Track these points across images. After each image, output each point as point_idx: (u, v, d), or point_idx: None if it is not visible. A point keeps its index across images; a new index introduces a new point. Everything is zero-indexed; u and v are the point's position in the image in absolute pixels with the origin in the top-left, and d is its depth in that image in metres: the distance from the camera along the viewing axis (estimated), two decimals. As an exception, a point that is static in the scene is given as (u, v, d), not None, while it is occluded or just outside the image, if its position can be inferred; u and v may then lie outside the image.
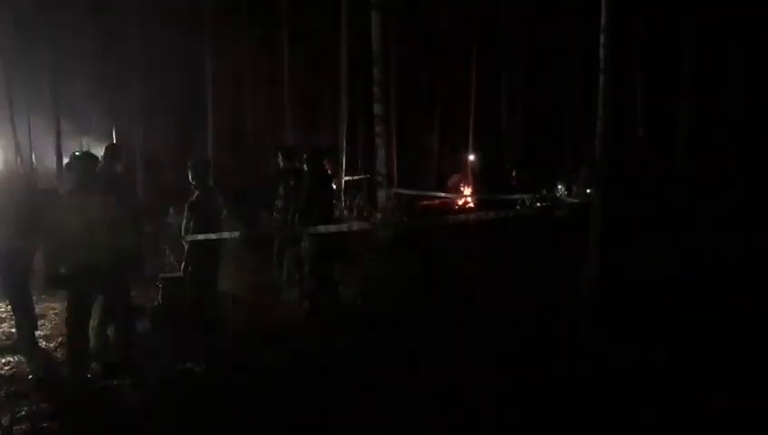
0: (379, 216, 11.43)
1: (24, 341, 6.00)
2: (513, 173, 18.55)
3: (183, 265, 6.38)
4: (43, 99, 16.76)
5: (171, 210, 9.82)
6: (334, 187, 13.68)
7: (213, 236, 6.31)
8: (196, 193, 6.36)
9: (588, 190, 12.28)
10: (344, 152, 15.13)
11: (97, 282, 5.14)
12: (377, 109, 13.56)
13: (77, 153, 5.84)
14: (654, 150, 16.97)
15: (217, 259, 6.53)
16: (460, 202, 17.83)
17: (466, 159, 20.58)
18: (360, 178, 15.74)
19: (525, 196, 12.29)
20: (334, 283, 7.28)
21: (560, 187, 15.22)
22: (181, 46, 18.23)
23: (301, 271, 7.34)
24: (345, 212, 12.14)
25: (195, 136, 19.78)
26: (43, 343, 6.25)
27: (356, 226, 8.52)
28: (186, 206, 6.41)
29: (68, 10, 17.96)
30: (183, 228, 6.40)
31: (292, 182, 7.59)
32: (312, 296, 7.02)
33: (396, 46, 18.60)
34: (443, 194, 17.57)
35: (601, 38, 6.23)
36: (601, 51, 6.18)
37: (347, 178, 14.90)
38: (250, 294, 7.83)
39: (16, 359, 5.84)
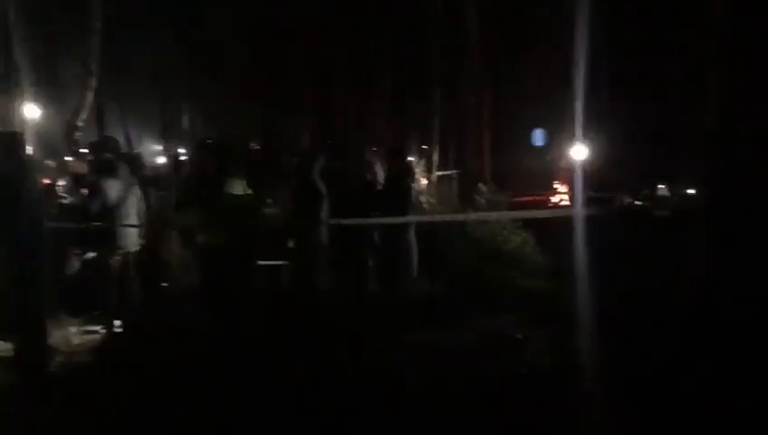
0: (471, 211, 11.31)
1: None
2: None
3: (305, 252, 6.51)
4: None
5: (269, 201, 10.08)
6: (425, 182, 13.79)
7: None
8: (313, 183, 6.52)
9: (690, 191, 11.72)
10: (437, 147, 15.10)
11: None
12: (468, 103, 13.46)
13: (209, 141, 6.20)
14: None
15: None
16: (554, 200, 17.44)
17: (563, 157, 20.04)
18: (451, 173, 15.67)
19: (624, 195, 11.88)
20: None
21: (661, 186, 14.65)
22: (271, 37, 18.63)
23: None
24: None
25: (282, 130, 20.24)
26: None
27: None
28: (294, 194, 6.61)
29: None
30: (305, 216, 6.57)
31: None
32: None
33: (491, 38, 18.24)
34: (539, 192, 17.26)
35: (712, 31, 5.94)
36: (713, 44, 5.89)
37: (439, 172, 14.89)
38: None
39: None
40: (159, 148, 17.66)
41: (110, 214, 6.43)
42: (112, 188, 6.48)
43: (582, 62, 12.07)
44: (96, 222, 6.44)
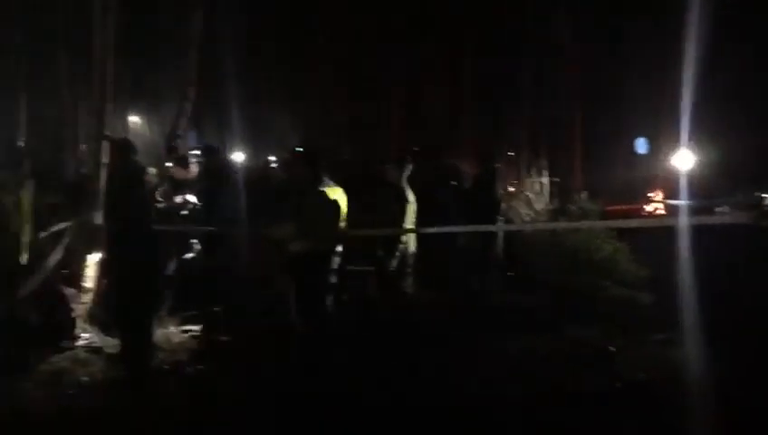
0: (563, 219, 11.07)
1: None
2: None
3: (393, 258, 6.60)
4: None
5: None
6: (513, 189, 13.58)
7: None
8: (401, 190, 6.62)
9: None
10: (526, 153, 14.89)
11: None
12: (562, 109, 13.20)
13: (298, 149, 6.39)
14: None
15: None
16: (649, 209, 16.80)
17: (659, 165, 19.27)
18: (543, 181, 15.36)
19: (727, 204, 11.29)
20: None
21: (764, 196, 13.85)
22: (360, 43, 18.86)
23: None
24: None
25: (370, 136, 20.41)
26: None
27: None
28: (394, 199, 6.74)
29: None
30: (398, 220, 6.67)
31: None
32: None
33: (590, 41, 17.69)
34: (633, 201, 16.67)
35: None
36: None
37: (530, 179, 14.65)
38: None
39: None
40: (242, 155, 18.25)
41: (217, 217, 6.71)
42: (221, 193, 6.78)
43: (690, 68, 11.62)
44: (204, 225, 6.75)
